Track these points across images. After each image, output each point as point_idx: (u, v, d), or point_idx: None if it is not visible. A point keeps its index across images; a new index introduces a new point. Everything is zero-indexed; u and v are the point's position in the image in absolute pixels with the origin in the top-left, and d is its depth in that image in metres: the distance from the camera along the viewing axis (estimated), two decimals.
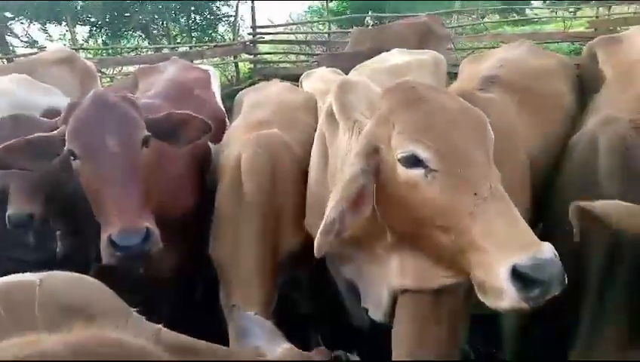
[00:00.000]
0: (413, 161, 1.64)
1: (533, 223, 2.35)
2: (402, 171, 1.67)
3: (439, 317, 1.98)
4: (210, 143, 3.20)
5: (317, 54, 11.62)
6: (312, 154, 2.52)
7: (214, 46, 12.44)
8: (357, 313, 2.53)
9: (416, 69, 3.32)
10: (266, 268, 2.40)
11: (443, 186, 1.60)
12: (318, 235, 1.76)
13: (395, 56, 3.48)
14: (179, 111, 2.46)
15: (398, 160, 1.67)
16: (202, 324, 2.19)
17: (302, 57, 12.83)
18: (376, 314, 2.21)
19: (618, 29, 8.45)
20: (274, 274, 2.45)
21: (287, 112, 3.14)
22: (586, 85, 2.89)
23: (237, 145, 2.71)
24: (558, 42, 10.25)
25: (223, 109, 3.85)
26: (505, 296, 1.46)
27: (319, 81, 4.10)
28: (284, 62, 13.00)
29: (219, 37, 16.27)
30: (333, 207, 1.75)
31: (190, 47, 13.22)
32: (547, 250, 1.47)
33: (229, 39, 14.83)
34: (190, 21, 16.09)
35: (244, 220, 2.43)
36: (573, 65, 3.05)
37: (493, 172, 1.62)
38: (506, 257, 1.46)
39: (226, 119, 3.70)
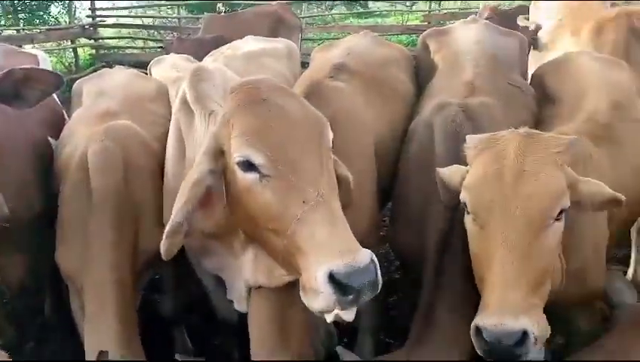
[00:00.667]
0: (248, 166, 1.66)
1: (381, 205, 2.54)
2: (240, 174, 1.69)
3: (292, 314, 2.03)
4: (51, 140, 2.88)
5: (166, 40, 11.07)
6: (167, 146, 2.41)
7: (47, 29, 11.15)
8: (223, 306, 2.50)
9: (270, 56, 3.34)
10: (122, 274, 2.21)
11: (274, 192, 1.63)
12: (163, 238, 1.73)
13: (250, 44, 3.45)
14: (21, 66, 2.19)
15: (236, 163, 1.69)
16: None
17: (150, 43, 12.14)
18: (241, 306, 2.22)
19: (447, 23, 9.42)
20: (132, 279, 2.28)
21: (136, 102, 2.94)
22: (421, 74, 3.16)
23: (81, 140, 2.48)
24: (397, 34, 11.11)
25: (58, 100, 3.48)
26: (321, 298, 1.55)
27: (170, 68, 3.88)
28: (130, 47, 12.16)
29: (52, 19, 14.63)
30: (179, 210, 1.73)
31: (17, 31, 11.69)
32: (363, 258, 1.56)
33: (65, 22, 13.41)
34: (16, 0, 14.20)
35: (94, 224, 2.22)
36: (411, 56, 3.33)
37: (324, 178, 1.67)
38: (325, 262, 1.53)
39: (64, 112, 3.35)
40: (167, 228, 1.72)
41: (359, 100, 2.58)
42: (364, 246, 2.30)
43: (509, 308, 1.58)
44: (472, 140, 1.91)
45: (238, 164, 1.68)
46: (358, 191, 2.33)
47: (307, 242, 1.58)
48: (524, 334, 1.56)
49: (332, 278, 1.52)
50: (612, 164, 2.13)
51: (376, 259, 1.60)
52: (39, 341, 3.17)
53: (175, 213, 1.73)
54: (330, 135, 1.78)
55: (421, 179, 2.33)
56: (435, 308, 2.04)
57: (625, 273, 3.81)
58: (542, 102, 2.86)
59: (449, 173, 1.98)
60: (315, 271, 1.54)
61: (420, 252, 2.21)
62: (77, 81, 3.36)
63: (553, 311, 2.22)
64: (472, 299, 1.85)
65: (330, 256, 1.54)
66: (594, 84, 2.62)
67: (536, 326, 1.58)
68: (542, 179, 1.66)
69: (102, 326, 2.11)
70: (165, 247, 1.74)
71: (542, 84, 2.93)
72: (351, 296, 1.53)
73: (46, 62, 3.68)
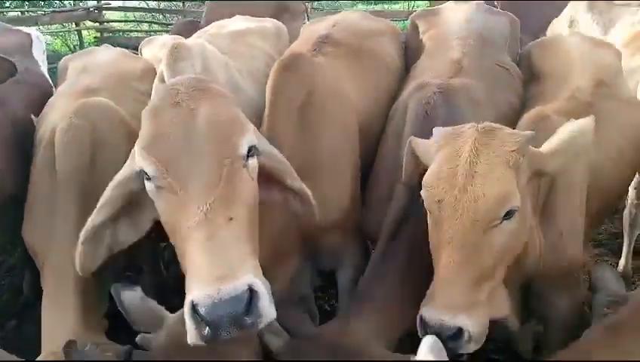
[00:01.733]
0: (146, 174, 1.60)
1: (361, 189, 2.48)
2: (145, 180, 1.64)
3: None
4: (33, 117, 2.86)
5: (171, 24, 11.01)
6: None
7: (52, 12, 11.13)
8: None
9: (256, 35, 3.28)
10: None
11: (165, 204, 1.57)
12: (79, 246, 1.70)
13: (237, 23, 3.40)
14: None
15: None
16: None
17: (155, 27, 12.09)
18: None
19: None
20: None
21: (120, 80, 2.91)
22: (409, 54, 3.10)
23: (55, 117, 2.45)
24: (404, 20, 10.92)
25: (49, 79, 3.46)
26: (188, 329, 1.45)
27: (160, 48, 3.85)
28: (135, 31, 12.12)
29: (57, 2, 14.62)
30: (96, 212, 1.71)
31: (22, 12, 11.70)
32: (230, 288, 1.40)
33: (70, 5, 13.39)
34: None
35: (59, 202, 2.18)
36: (400, 32, 3.26)
37: (218, 192, 1.53)
38: (192, 290, 1.43)
39: (54, 90, 3.33)
40: (82, 232, 1.66)
41: (342, 74, 2.52)
42: (344, 229, 2.37)
43: (449, 305, 1.65)
44: (437, 133, 1.90)
45: (140, 173, 1.63)
46: (335, 169, 2.32)
47: (187, 263, 1.50)
48: (460, 330, 1.64)
49: (194, 309, 1.41)
50: (593, 143, 2.09)
51: (261, 290, 1.45)
52: (21, 319, 3.18)
53: (92, 215, 1.68)
54: (247, 143, 1.65)
55: (390, 162, 2.30)
56: (373, 285, 2.04)
57: (617, 264, 3.77)
58: (528, 81, 2.81)
59: (423, 148, 1.95)
60: (188, 297, 1.45)
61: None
62: (64, 58, 3.33)
63: (533, 291, 2.26)
64: (415, 280, 1.91)
65: (199, 283, 1.42)
66: (579, 63, 2.58)
67: (474, 324, 1.66)
68: (489, 182, 1.69)
69: (60, 303, 2.07)
70: (79, 257, 1.68)
71: (529, 62, 2.88)
72: (207, 329, 1.40)
73: (40, 42, 3.65)
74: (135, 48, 3.83)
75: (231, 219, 1.51)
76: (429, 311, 1.67)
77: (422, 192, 1.82)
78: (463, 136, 1.81)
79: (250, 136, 1.68)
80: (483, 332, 1.71)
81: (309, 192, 1.89)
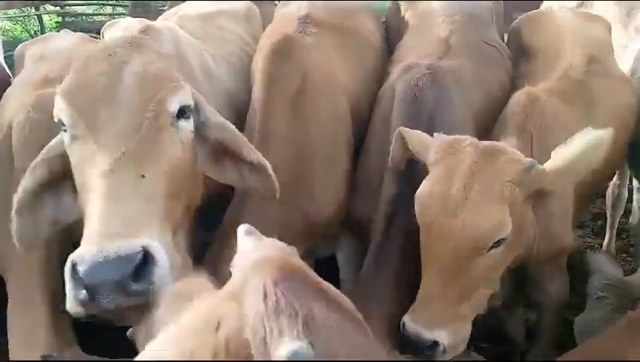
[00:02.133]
0: (63, 125, 1.51)
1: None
2: (62, 132, 1.54)
3: None
4: None
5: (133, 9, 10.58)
6: None
7: None
8: None
9: (227, 17, 3.09)
10: (50, 252, 1.94)
11: (77, 155, 1.47)
12: (13, 217, 1.58)
13: (206, 4, 3.18)
14: None
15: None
16: None
17: (119, 9, 11.59)
18: None
19: None
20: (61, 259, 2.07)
21: None
22: (391, 34, 2.95)
23: (12, 109, 2.23)
24: None
25: (7, 69, 3.20)
26: (67, 293, 1.27)
27: (125, 31, 3.62)
28: (99, 14, 11.62)
29: None
30: (27, 174, 1.60)
31: None
32: (117, 248, 1.23)
33: None
34: None
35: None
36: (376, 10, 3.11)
37: (134, 144, 1.41)
38: (84, 244, 1.28)
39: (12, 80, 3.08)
40: (14, 201, 1.52)
41: (330, 55, 2.38)
42: (338, 219, 2.24)
43: (428, 320, 1.69)
44: (437, 139, 1.82)
45: (59, 123, 1.52)
46: (332, 159, 2.22)
47: (88, 216, 1.35)
48: (435, 343, 1.68)
49: (74, 269, 1.24)
50: (584, 123, 2.02)
51: (159, 255, 1.28)
52: None
53: (22, 180, 1.57)
54: (179, 102, 1.53)
55: (378, 147, 2.19)
56: (370, 290, 1.95)
57: (600, 245, 3.76)
58: (518, 58, 2.70)
59: (416, 139, 1.87)
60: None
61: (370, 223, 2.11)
62: (20, 45, 3.08)
63: (527, 277, 2.27)
64: (410, 281, 1.88)
65: (85, 239, 1.26)
66: (570, 38, 2.50)
67: (450, 337, 1.70)
68: (480, 214, 1.64)
69: (28, 313, 1.89)
70: (15, 230, 1.54)
71: (518, 38, 2.78)
72: (84, 293, 1.21)
73: None
74: (98, 32, 3.60)
75: (143, 176, 1.38)
76: (410, 323, 1.70)
77: (415, 205, 1.77)
78: (462, 154, 1.73)
79: (184, 96, 1.55)
80: (460, 342, 1.76)
81: (267, 165, 1.72)
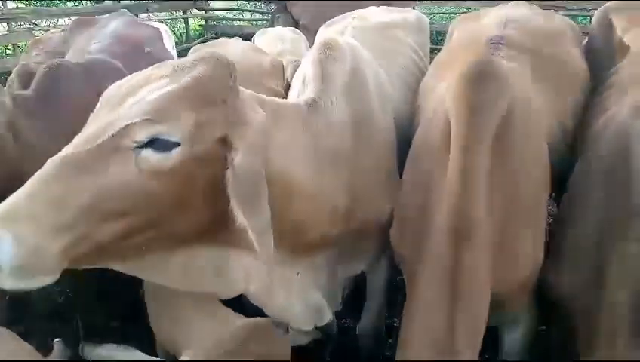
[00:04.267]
0: None
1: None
2: None
3: None
4: None
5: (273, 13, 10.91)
6: None
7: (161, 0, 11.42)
8: None
9: (400, 28, 2.89)
10: None
11: None
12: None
13: (377, 13, 3.01)
14: None
15: None
16: None
17: (257, 15, 12.06)
18: None
19: None
20: None
21: (249, 75, 2.65)
22: (597, 56, 2.53)
23: None
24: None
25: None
26: None
27: (276, 40, 3.61)
28: (237, 19, 12.19)
29: None
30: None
31: (134, 0, 12.11)
32: None
33: None
34: None
35: None
36: (579, 29, 2.70)
37: (77, 151, 1.36)
38: None
39: None
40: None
41: (530, 86, 2.04)
42: (527, 289, 1.84)
43: None
44: None
45: None
46: (535, 217, 1.83)
47: None
48: None
49: None
50: None
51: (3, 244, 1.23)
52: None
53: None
54: (146, 134, 1.39)
55: (603, 202, 1.75)
56: None
57: None
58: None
59: None
60: None
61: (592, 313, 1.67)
62: (192, 49, 3.17)
63: None
64: None
65: None
66: None
67: None
68: None
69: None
70: None
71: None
72: None
73: (169, 36, 3.56)
74: (237, 36, 3.63)
75: (70, 182, 1.33)
76: None
77: None
78: None
79: (162, 129, 1.39)
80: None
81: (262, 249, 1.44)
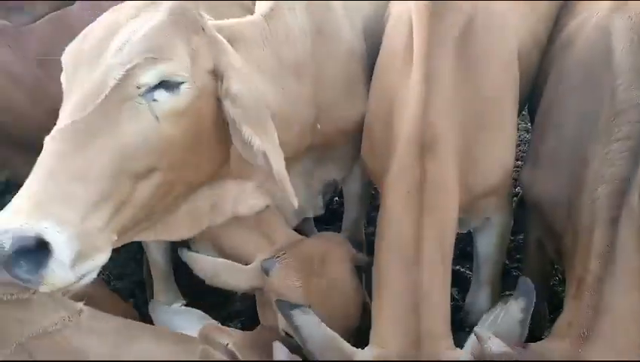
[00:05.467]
0: None
1: None
2: None
3: None
4: None
5: None
6: None
7: None
8: None
9: None
10: None
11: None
12: None
13: None
14: None
15: None
16: None
17: None
18: None
19: None
20: None
21: None
22: None
23: None
24: None
25: None
26: None
27: None
28: None
29: None
30: None
31: None
32: (4, 226, 1.12)
33: None
34: None
35: None
36: None
37: (86, 114, 1.25)
38: None
39: None
40: None
41: None
42: (503, 191, 1.88)
43: None
44: None
45: None
46: (501, 121, 1.80)
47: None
48: None
49: None
50: None
51: (60, 249, 1.14)
52: None
53: None
54: (154, 76, 1.31)
55: (585, 103, 1.70)
56: (604, 291, 1.50)
57: None
58: None
59: None
60: None
61: (570, 203, 1.68)
62: None
63: None
64: None
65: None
66: None
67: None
68: None
69: None
70: None
71: None
72: None
73: None
74: None
75: (81, 152, 1.23)
76: None
77: None
78: None
79: (168, 68, 1.32)
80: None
81: (281, 172, 1.49)
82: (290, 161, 1.93)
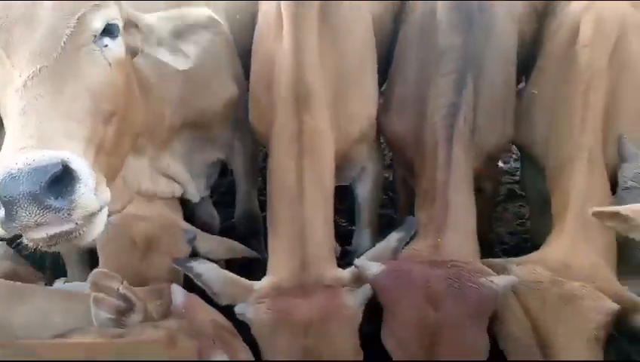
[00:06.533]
0: None
1: None
2: None
3: None
4: None
5: None
6: None
7: None
8: None
9: None
10: None
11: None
12: None
13: None
14: None
15: None
16: None
17: None
18: None
19: None
20: None
21: None
22: None
23: None
24: None
25: None
26: None
27: None
28: None
29: None
30: None
31: None
32: (30, 159, 1.12)
33: None
34: None
35: None
36: None
37: (51, 61, 1.30)
38: None
39: None
40: None
41: None
42: (370, 139, 2.24)
43: None
44: None
45: None
46: (361, 75, 2.14)
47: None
48: None
49: None
50: None
51: (83, 172, 1.18)
52: None
53: None
54: (100, 20, 1.41)
55: (421, 53, 2.13)
56: (449, 194, 1.92)
57: None
58: None
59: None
60: None
61: (416, 135, 2.09)
62: None
63: None
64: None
65: (1, 155, 1.18)
66: None
67: None
68: None
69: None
70: None
71: None
72: (2, 212, 1.12)
73: None
74: None
75: (61, 93, 1.29)
76: None
77: None
78: None
79: (110, 14, 1.43)
80: None
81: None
82: (168, 142, 2.13)
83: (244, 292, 1.77)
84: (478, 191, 2.34)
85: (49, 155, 1.13)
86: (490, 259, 1.91)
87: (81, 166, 1.19)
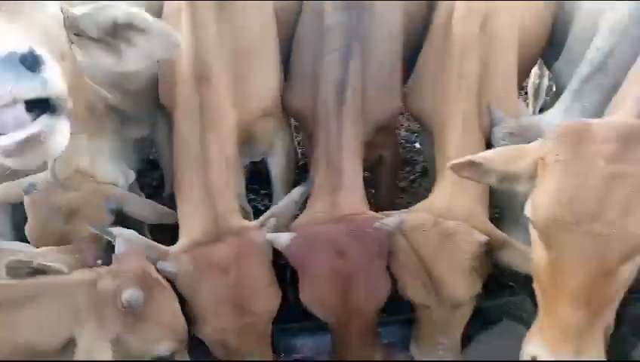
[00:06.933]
0: None
1: None
2: None
3: None
4: None
5: None
6: None
7: None
8: None
9: None
10: None
11: None
12: None
13: None
14: None
15: None
16: None
17: None
18: None
19: None
20: None
21: None
22: None
23: None
24: None
25: None
26: None
27: None
28: None
29: None
30: None
31: None
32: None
33: None
34: None
35: None
36: None
37: None
38: None
39: None
40: None
41: None
42: (275, 113, 2.36)
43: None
44: (556, 130, 1.54)
45: None
46: (262, 52, 2.30)
47: None
48: None
49: None
50: None
51: (48, 60, 1.33)
52: None
53: None
54: None
55: (312, 36, 2.33)
56: (342, 159, 2.14)
57: None
58: None
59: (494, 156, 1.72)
60: None
61: (312, 109, 2.28)
62: None
63: None
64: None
65: None
66: None
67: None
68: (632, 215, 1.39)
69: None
70: None
71: None
72: None
73: None
74: None
75: None
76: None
77: (530, 211, 1.56)
78: (593, 150, 1.43)
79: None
80: None
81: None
82: (98, 121, 2.24)
83: (162, 254, 1.92)
84: (380, 159, 2.60)
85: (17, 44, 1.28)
86: (386, 212, 2.13)
87: (46, 55, 1.33)
